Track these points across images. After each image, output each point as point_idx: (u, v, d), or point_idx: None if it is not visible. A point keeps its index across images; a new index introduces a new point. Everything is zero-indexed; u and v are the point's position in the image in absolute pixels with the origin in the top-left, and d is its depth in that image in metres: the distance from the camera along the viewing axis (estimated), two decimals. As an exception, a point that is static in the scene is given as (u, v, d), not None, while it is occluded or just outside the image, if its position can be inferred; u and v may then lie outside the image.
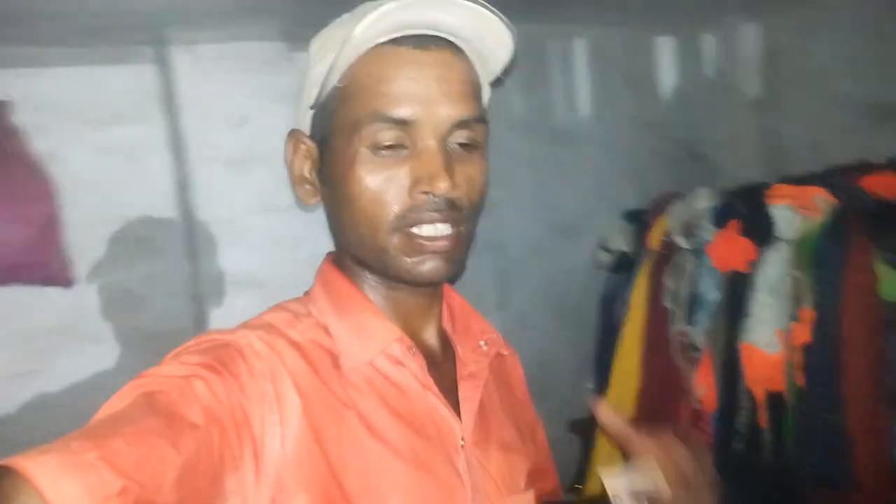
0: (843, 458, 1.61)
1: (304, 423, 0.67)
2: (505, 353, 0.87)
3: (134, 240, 1.86)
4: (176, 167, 1.91)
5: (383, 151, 0.70)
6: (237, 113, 1.93)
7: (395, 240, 0.71)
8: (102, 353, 1.77)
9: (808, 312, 1.59)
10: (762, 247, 1.64)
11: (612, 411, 0.74)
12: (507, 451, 0.80)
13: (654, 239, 1.85)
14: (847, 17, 2.21)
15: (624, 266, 1.97)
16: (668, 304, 1.81)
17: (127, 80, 1.88)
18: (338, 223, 0.76)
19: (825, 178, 1.67)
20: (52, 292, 1.73)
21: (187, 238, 1.90)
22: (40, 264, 1.66)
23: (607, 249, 1.97)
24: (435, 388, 0.75)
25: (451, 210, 0.71)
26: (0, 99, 1.73)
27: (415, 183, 0.70)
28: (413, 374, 0.74)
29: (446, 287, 0.86)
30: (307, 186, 0.78)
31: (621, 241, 1.95)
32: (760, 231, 1.63)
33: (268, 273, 1.88)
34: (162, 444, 0.55)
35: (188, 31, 1.84)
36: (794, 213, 1.60)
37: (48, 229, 1.67)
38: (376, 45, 0.70)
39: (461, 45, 0.73)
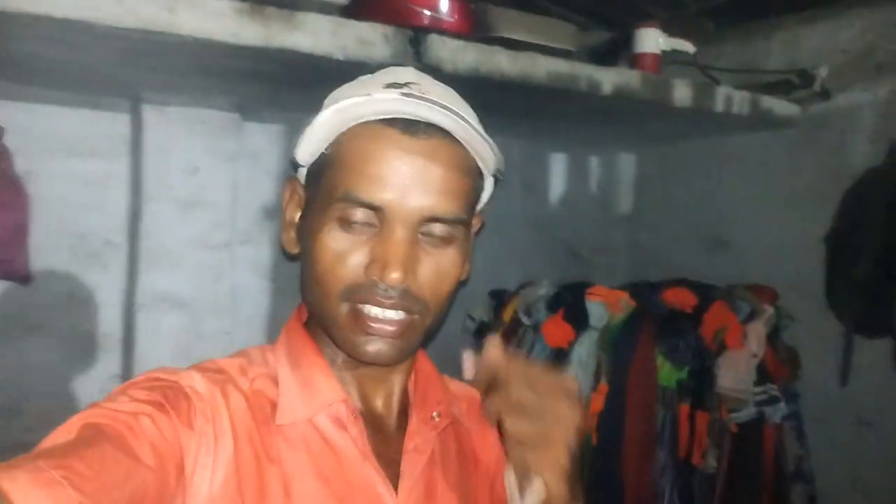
0: (618, 500, 2.05)
1: (231, 470, 0.66)
2: (471, 426, 0.84)
3: (85, 254, 2.23)
4: (131, 199, 2.26)
5: (353, 225, 0.70)
6: (191, 163, 2.25)
7: (344, 312, 0.71)
8: (42, 343, 2.10)
9: (604, 386, 2.05)
10: (578, 331, 2.10)
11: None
12: None
13: (507, 314, 2.31)
14: (694, 159, 2.74)
15: (484, 334, 2.42)
16: (510, 368, 2.25)
17: (103, 124, 2.24)
18: (302, 281, 0.76)
19: (635, 287, 2.16)
20: (10, 286, 2.07)
21: (130, 259, 2.26)
22: (6, 261, 2.02)
23: (472, 318, 2.42)
24: (373, 458, 0.72)
25: (403, 298, 0.70)
26: (-4, 124, 2.11)
27: (370, 264, 0.69)
28: (353, 441, 0.72)
29: (419, 351, 0.84)
30: (293, 234, 0.78)
31: (484, 314, 2.40)
32: (578, 319, 2.10)
33: (193, 297, 2.19)
34: (116, 471, 0.56)
35: (160, 95, 2.19)
36: (604, 309, 2.07)
37: (17, 233, 2.03)
38: (366, 122, 0.70)
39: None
